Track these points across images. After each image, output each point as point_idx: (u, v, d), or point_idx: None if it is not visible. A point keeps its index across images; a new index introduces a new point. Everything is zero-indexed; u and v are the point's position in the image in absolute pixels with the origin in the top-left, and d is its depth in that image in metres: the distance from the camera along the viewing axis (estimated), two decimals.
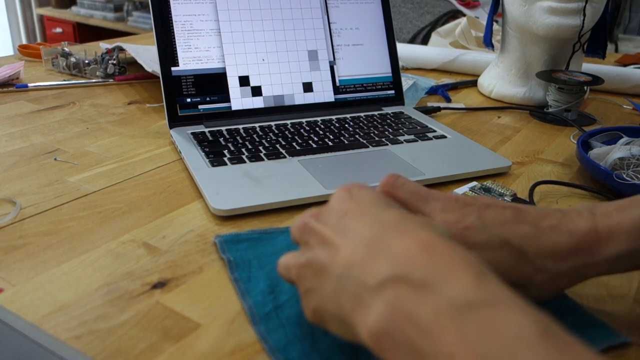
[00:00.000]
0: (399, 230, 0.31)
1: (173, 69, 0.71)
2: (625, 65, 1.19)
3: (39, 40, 3.67)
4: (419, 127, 0.75)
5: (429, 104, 0.89)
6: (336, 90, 0.79)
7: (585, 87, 0.86)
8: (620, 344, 0.39)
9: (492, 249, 0.37)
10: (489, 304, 0.26)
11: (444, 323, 0.25)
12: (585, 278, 0.39)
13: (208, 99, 0.73)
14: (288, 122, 0.74)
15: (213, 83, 0.73)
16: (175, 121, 0.71)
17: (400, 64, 1.13)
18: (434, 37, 1.34)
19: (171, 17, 0.72)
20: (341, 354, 0.36)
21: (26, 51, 1.12)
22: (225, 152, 0.64)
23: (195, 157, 0.63)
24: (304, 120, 0.75)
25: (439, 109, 0.87)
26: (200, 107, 0.72)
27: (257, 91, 0.75)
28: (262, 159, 0.63)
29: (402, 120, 0.77)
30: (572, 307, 0.42)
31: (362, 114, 0.78)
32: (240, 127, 0.72)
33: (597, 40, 0.94)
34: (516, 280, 0.37)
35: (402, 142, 0.70)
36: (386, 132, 0.72)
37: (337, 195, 0.37)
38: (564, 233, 0.38)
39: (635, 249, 0.37)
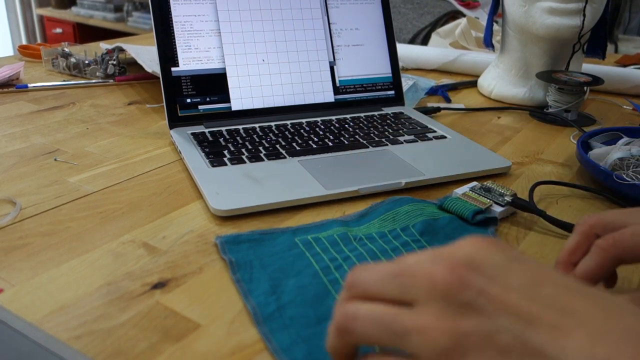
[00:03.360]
0: None
1: (173, 69, 0.71)
2: (625, 65, 1.19)
3: (39, 40, 3.67)
4: (418, 128, 0.75)
5: (429, 105, 0.89)
6: (336, 90, 0.79)
7: (585, 88, 0.86)
8: None
9: None
10: None
11: None
12: None
13: (208, 99, 0.73)
14: (288, 122, 0.74)
15: (213, 83, 0.73)
16: (175, 121, 0.71)
17: (400, 64, 1.13)
18: (434, 37, 1.34)
19: (171, 17, 0.72)
20: None
21: (26, 51, 1.12)
22: (225, 152, 0.64)
23: (195, 158, 0.63)
24: (304, 120, 0.75)
25: (439, 109, 0.87)
26: (200, 107, 0.72)
27: (257, 91, 0.75)
28: (262, 159, 0.63)
29: (402, 120, 0.77)
30: None
31: (362, 114, 0.78)
32: (240, 127, 0.72)
33: (597, 41, 0.94)
34: None
35: (402, 143, 0.70)
36: (386, 133, 0.72)
37: (489, 250, 0.28)
38: None
39: None
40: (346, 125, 0.74)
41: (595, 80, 0.84)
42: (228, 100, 0.73)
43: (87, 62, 0.99)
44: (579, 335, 0.24)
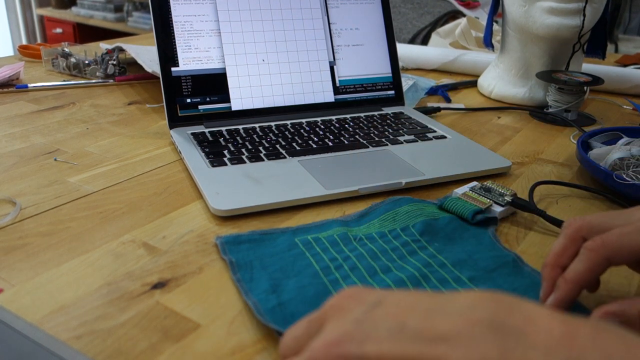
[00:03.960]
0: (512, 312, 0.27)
1: (173, 69, 0.71)
2: (625, 65, 1.19)
3: (39, 40, 3.67)
4: (419, 128, 0.75)
5: (429, 104, 0.89)
6: (336, 90, 0.79)
7: (585, 88, 0.86)
8: None
9: None
10: None
11: None
12: None
13: (208, 99, 0.73)
14: (288, 122, 0.74)
15: (213, 83, 0.73)
16: (175, 121, 0.71)
17: (400, 64, 1.13)
18: (434, 37, 1.34)
19: (171, 17, 0.72)
20: None
21: (26, 51, 1.12)
22: (225, 152, 0.64)
23: (195, 158, 0.63)
24: (304, 120, 0.75)
25: (439, 109, 0.87)
26: (200, 107, 0.72)
27: (257, 91, 0.75)
28: (262, 159, 0.63)
29: (402, 120, 0.77)
30: (575, 305, 0.42)
31: (362, 114, 0.78)
32: (240, 127, 0.72)
33: (597, 41, 0.94)
34: None
35: (402, 143, 0.70)
36: (386, 133, 0.72)
37: (349, 309, 0.29)
38: None
39: None
40: (346, 125, 0.74)
41: (595, 80, 0.84)
42: (228, 100, 0.73)
43: (87, 62, 0.99)
44: (457, 353, 0.25)
